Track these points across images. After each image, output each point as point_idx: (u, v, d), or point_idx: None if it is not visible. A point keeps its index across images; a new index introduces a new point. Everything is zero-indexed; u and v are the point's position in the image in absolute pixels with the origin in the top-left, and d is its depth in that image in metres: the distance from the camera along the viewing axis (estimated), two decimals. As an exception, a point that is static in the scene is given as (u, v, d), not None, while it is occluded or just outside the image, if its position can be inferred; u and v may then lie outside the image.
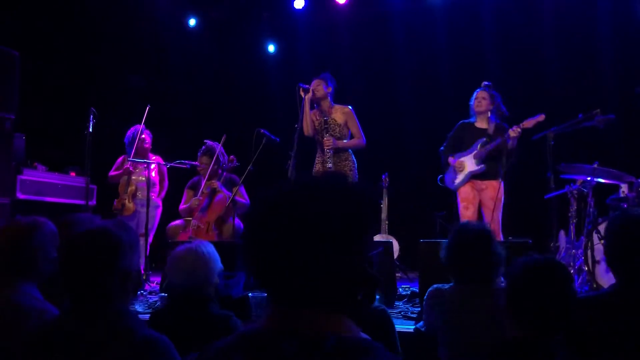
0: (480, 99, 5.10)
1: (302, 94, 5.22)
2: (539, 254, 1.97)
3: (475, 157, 5.08)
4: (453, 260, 2.53)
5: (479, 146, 5.08)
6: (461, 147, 5.19)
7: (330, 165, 5.09)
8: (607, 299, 2.09)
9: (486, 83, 5.02)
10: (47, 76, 7.43)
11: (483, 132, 5.12)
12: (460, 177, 5.15)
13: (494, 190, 5.00)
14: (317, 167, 5.20)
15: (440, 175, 5.30)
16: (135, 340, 1.54)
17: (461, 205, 5.14)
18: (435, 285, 2.65)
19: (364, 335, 1.05)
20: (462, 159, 5.15)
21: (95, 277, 1.60)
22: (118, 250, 1.62)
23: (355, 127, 5.24)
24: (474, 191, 5.12)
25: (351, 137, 5.27)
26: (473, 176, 5.10)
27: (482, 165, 5.04)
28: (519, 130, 4.85)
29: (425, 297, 2.68)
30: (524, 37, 7.03)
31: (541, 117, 4.84)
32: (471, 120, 5.22)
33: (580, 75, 6.74)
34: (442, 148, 5.30)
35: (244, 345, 0.99)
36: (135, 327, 1.60)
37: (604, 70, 6.71)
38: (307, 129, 5.22)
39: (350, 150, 5.26)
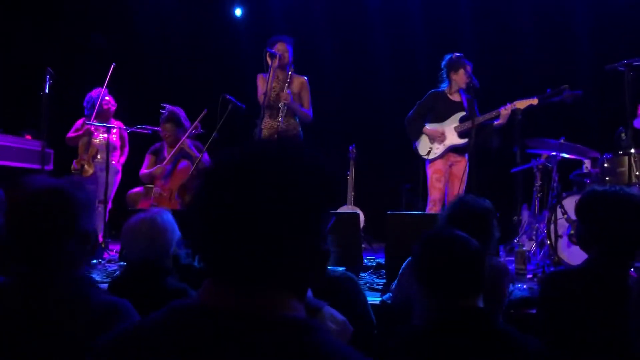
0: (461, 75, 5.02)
1: (269, 60, 5.08)
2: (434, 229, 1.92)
3: (456, 130, 5.03)
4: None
5: (458, 120, 5.02)
6: (433, 118, 5.12)
7: (281, 126, 4.97)
8: (580, 275, 2.08)
9: (457, 54, 4.95)
10: (1, 34, 7.06)
11: (459, 105, 5.07)
12: (440, 148, 5.06)
13: (463, 165, 5.02)
14: (264, 133, 5.09)
15: (415, 143, 5.17)
16: (93, 306, 1.45)
17: (433, 177, 5.09)
18: None
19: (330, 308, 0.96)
20: (441, 128, 5.07)
21: (53, 239, 1.48)
22: (76, 210, 1.50)
23: (307, 98, 5.22)
24: (446, 164, 5.10)
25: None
26: (453, 149, 5.05)
27: (466, 140, 4.97)
28: (509, 112, 4.79)
29: (403, 266, 2.63)
30: (499, 11, 6.99)
31: (534, 101, 4.79)
32: (443, 89, 5.13)
33: (552, 50, 6.76)
34: (409, 115, 5.19)
35: (175, 321, 0.90)
36: (93, 292, 1.51)
37: (575, 47, 6.74)
38: (263, 96, 5.08)
39: (298, 120, 5.20)
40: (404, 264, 2.64)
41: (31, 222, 1.49)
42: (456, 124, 5.05)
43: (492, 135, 4.96)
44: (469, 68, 4.97)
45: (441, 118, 5.10)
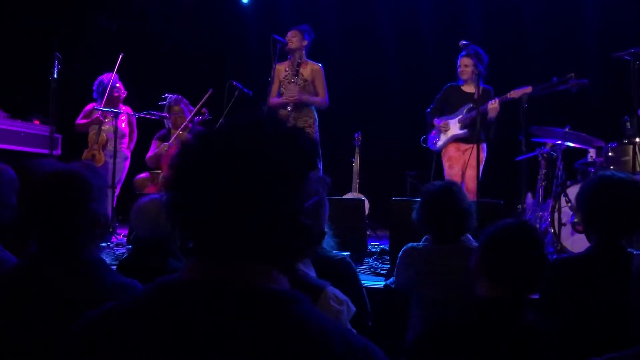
0: (463, 67, 5.04)
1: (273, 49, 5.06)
2: (512, 218, 1.97)
3: (459, 121, 5.09)
4: (422, 220, 2.54)
5: (464, 111, 5.07)
6: (448, 110, 5.21)
7: (290, 120, 4.98)
8: (583, 261, 2.11)
9: (463, 42, 4.93)
10: (9, 18, 7.08)
11: (469, 96, 5.08)
12: (442, 139, 5.20)
13: (474, 153, 4.96)
14: None
15: (423, 136, 5.32)
16: (106, 287, 1.49)
17: (446, 165, 5.21)
18: (410, 244, 2.65)
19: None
20: (447, 121, 5.18)
21: (66, 221, 1.51)
22: (89, 193, 1.54)
23: (321, 86, 5.16)
24: (459, 152, 5.17)
25: (315, 95, 5.17)
26: (456, 139, 5.13)
27: (466, 130, 5.04)
28: (496, 105, 4.80)
29: (399, 255, 2.68)
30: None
31: (528, 89, 4.77)
32: (459, 83, 5.18)
33: (558, 38, 6.73)
34: (429, 110, 5.30)
35: (160, 295, 0.92)
36: (105, 274, 1.54)
37: (581, 35, 6.71)
38: (275, 91, 5.07)
39: (313, 107, 5.17)
40: (400, 252, 2.67)
41: (45, 203, 1.52)
42: (462, 115, 5.12)
43: (486, 127, 4.96)
44: (470, 56, 4.88)
45: (452, 110, 5.19)
